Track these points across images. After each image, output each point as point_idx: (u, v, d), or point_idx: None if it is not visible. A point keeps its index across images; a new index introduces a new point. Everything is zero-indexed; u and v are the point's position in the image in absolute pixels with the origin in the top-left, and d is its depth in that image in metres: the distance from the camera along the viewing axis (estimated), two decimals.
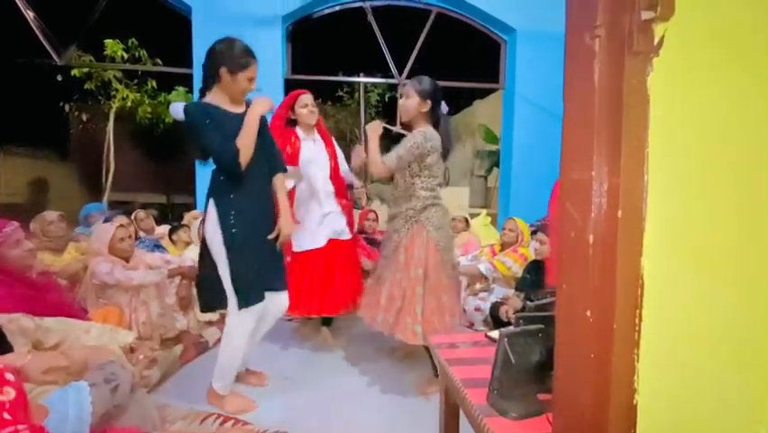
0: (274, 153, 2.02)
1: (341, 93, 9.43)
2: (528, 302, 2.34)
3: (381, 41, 4.64)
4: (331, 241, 2.52)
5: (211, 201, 1.84)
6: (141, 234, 3.33)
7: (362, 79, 5.61)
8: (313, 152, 2.51)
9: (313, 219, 2.50)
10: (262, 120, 1.87)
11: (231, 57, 1.76)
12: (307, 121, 2.49)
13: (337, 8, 4.56)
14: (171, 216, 9.19)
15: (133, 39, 6.77)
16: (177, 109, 4.24)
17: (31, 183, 10.25)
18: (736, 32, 0.54)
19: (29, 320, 1.53)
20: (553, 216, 1.64)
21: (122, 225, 2.42)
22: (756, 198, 0.53)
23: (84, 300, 2.25)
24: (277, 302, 2.04)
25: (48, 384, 1.24)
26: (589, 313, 0.62)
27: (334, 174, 2.59)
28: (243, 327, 1.89)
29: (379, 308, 2.07)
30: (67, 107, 8.99)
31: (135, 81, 7.60)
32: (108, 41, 6.57)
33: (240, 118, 1.79)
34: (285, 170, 2.07)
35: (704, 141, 0.56)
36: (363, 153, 2.18)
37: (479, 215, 4.59)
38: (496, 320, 2.63)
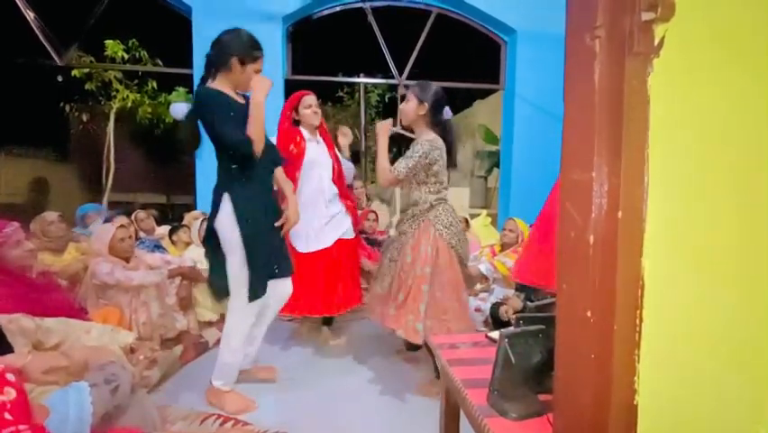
0: (272, 144, 2.02)
1: (341, 93, 9.44)
2: (528, 303, 2.35)
3: (381, 41, 4.65)
4: (337, 240, 2.53)
5: (225, 195, 1.81)
6: (142, 234, 3.33)
7: (362, 80, 5.61)
8: (317, 153, 2.52)
9: (320, 220, 2.50)
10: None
11: (243, 47, 1.77)
12: (311, 122, 2.49)
13: (337, 9, 4.56)
14: (171, 216, 9.17)
15: (134, 39, 6.79)
16: (177, 109, 4.27)
17: (31, 183, 10.22)
18: (736, 33, 0.54)
19: (29, 321, 1.53)
20: (546, 213, 1.63)
21: (122, 226, 2.42)
22: (756, 198, 0.53)
23: (84, 301, 2.25)
24: (281, 288, 2.04)
25: (48, 385, 1.24)
26: (589, 313, 0.62)
27: (337, 175, 2.60)
28: (244, 323, 1.90)
29: (386, 305, 2.07)
30: (67, 108, 8.97)
31: (136, 82, 7.60)
32: (109, 42, 6.57)
33: (244, 108, 1.80)
34: (281, 163, 2.07)
35: (704, 141, 0.56)
36: (350, 133, 2.17)
37: (479, 215, 4.58)
38: (496, 321, 2.63)
